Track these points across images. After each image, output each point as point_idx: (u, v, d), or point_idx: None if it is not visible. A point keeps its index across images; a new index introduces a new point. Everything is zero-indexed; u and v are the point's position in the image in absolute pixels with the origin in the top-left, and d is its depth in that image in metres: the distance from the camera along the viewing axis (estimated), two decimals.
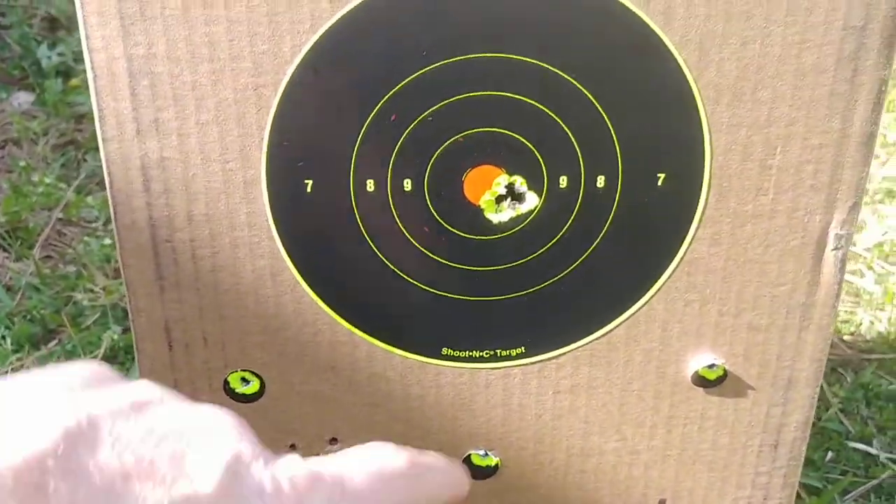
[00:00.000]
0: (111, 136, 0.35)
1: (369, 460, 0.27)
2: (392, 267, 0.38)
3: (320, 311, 0.39)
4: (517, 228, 0.38)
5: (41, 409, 0.23)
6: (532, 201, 0.37)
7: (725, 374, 0.41)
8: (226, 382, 0.40)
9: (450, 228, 0.38)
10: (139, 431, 0.23)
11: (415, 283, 0.39)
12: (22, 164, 0.99)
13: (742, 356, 0.41)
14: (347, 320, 0.39)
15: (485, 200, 0.37)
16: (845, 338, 0.86)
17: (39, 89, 1.15)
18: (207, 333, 0.39)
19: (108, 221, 0.92)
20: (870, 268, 0.94)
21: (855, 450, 0.75)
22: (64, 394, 0.24)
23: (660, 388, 0.41)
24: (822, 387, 0.80)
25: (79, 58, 1.19)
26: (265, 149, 0.36)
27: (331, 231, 0.37)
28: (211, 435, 0.24)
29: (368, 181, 0.37)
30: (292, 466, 0.25)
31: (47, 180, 0.94)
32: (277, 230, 0.37)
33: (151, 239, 0.37)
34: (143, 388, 0.25)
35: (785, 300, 0.40)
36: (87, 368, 0.26)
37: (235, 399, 0.40)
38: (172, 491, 0.22)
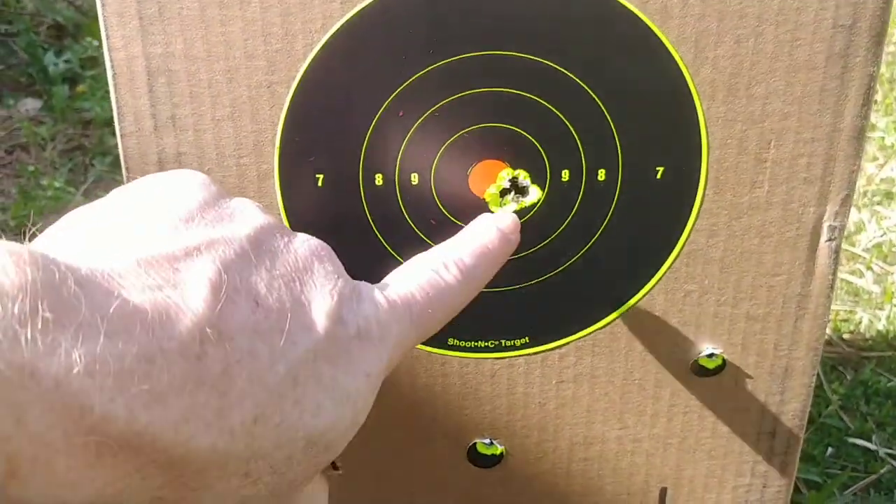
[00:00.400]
0: (130, 132, 0.37)
1: (426, 281, 0.30)
2: (399, 258, 0.39)
3: None
4: (521, 221, 0.39)
5: (176, 257, 0.24)
6: (535, 195, 0.39)
7: (724, 363, 0.42)
8: None
9: (456, 221, 0.39)
10: (263, 278, 0.25)
11: None
12: (30, 168, 1.00)
13: (740, 346, 0.42)
14: None
15: (489, 194, 0.38)
16: (845, 336, 0.87)
17: (47, 96, 1.17)
18: None
19: None
20: (869, 268, 0.95)
21: (854, 445, 0.77)
22: (190, 233, 0.25)
23: (660, 377, 0.42)
24: (822, 384, 0.81)
25: (85, 65, 1.21)
26: (278, 144, 0.37)
27: (341, 223, 0.39)
28: (317, 274, 0.27)
29: (377, 175, 0.38)
30: (374, 302, 0.28)
31: (56, 184, 0.95)
32: (290, 223, 0.38)
33: None
34: (251, 215, 0.28)
35: (781, 290, 0.41)
36: (189, 184, 0.28)
37: None
38: (297, 348, 0.25)
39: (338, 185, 0.38)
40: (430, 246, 0.39)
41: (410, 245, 0.39)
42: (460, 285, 0.31)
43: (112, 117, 1.01)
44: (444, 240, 0.39)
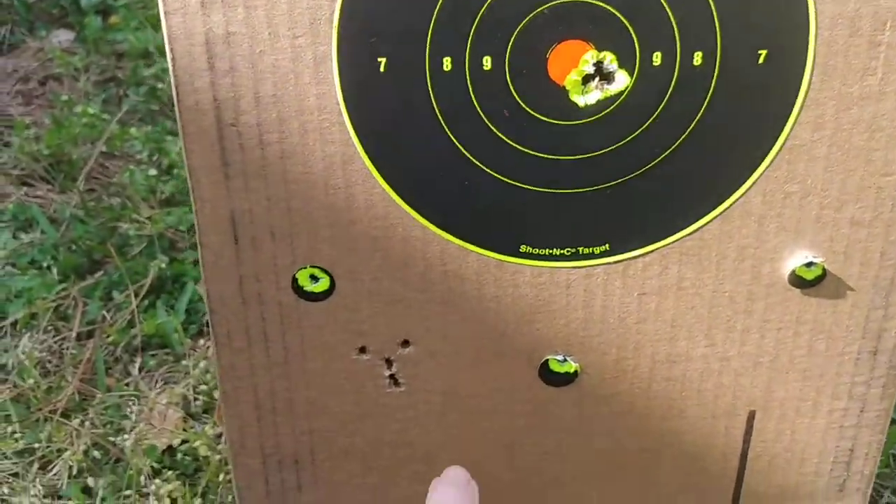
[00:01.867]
0: (174, 9, 0.33)
1: None
2: (468, 155, 0.36)
3: (392, 203, 0.37)
4: (605, 112, 0.35)
5: None
6: (622, 81, 0.34)
7: (824, 273, 0.38)
8: (294, 280, 0.38)
9: (531, 112, 0.35)
10: None
11: (492, 172, 0.36)
12: (64, 98, 0.97)
13: (843, 254, 0.38)
14: (421, 214, 0.37)
15: (570, 80, 0.34)
16: None
17: (79, 27, 1.14)
18: (275, 227, 0.37)
19: (151, 154, 0.90)
20: None
21: None
22: None
23: (753, 289, 0.39)
24: None
25: None
26: (336, 23, 0.33)
27: (404, 115, 0.35)
28: None
29: (445, 59, 0.34)
30: None
31: (90, 111, 0.92)
32: (348, 114, 0.35)
33: (216, 122, 0.35)
34: None
35: (891, 192, 0.37)
36: None
37: (304, 298, 0.38)
38: None
39: (401, 70, 0.34)
40: (503, 141, 0.36)
41: (480, 139, 0.35)
42: None
43: (146, 49, 0.97)
44: (517, 134, 0.36)
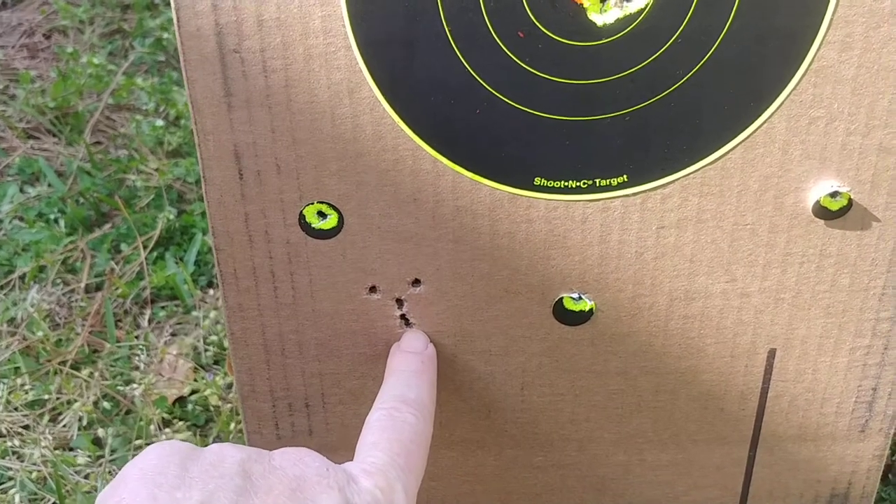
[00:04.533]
0: None
1: (392, 431, 0.34)
2: (480, 80, 0.34)
3: (401, 134, 0.35)
4: (624, 32, 0.33)
5: None
6: None
7: (850, 203, 0.37)
8: (301, 216, 0.37)
9: (546, 32, 0.33)
10: (269, 501, 0.28)
11: (505, 99, 0.35)
12: (69, 50, 0.96)
13: (869, 183, 0.37)
14: (431, 145, 0.36)
15: None
16: None
17: None
18: (280, 160, 0.36)
19: (157, 105, 0.89)
20: None
21: None
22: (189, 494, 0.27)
23: (776, 220, 0.37)
24: None
25: None
26: None
27: (413, 38, 0.34)
28: (309, 479, 0.29)
29: None
30: (367, 475, 0.31)
31: (96, 61, 0.91)
32: (355, 37, 0.33)
33: (218, 48, 0.33)
34: (229, 454, 0.29)
35: None
36: (163, 455, 0.29)
37: (312, 235, 0.37)
38: None
39: None
40: (517, 64, 0.34)
41: (493, 63, 0.34)
42: (417, 418, 0.34)
43: (151, 0, 0.94)
44: (532, 57, 0.34)
